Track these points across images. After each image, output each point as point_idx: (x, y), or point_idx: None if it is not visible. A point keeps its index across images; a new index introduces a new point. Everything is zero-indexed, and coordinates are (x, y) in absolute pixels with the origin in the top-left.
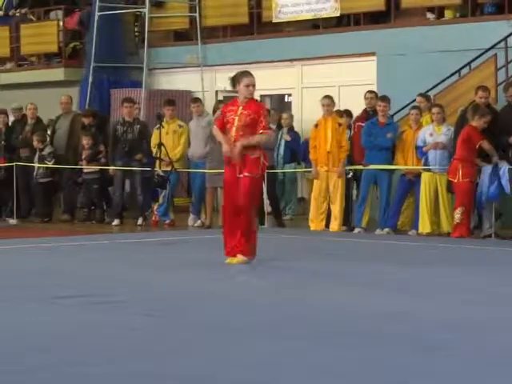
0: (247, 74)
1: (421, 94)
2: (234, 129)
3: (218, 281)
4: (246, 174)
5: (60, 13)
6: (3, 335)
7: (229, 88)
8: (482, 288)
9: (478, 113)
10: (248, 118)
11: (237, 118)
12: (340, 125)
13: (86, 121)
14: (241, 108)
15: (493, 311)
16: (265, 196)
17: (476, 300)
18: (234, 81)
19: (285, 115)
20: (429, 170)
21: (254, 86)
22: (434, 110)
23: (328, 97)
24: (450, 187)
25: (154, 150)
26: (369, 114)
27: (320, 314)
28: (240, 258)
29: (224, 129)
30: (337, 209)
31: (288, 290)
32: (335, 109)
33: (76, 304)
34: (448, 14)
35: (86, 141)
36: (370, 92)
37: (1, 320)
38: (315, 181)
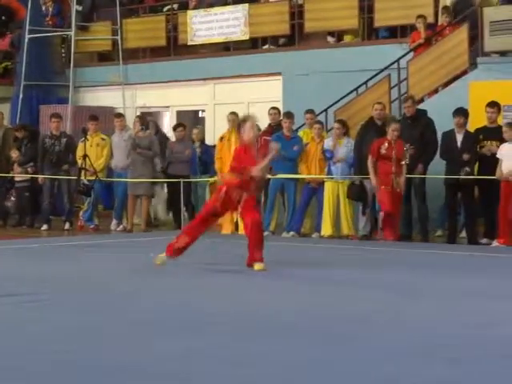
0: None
1: (308, 111)
2: None
3: (138, 276)
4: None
5: None
6: None
7: (148, 104)
8: (380, 284)
9: (388, 125)
10: None
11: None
12: None
13: (18, 134)
14: None
15: (381, 305)
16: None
17: (372, 296)
18: None
19: (195, 130)
20: (331, 179)
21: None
22: (336, 125)
23: (233, 113)
24: (349, 194)
25: (80, 161)
26: (273, 129)
27: (233, 311)
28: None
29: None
30: None
31: (197, 290)
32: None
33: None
34: (347, 38)
35: (15, 154)
36: (274, 108)
37: None
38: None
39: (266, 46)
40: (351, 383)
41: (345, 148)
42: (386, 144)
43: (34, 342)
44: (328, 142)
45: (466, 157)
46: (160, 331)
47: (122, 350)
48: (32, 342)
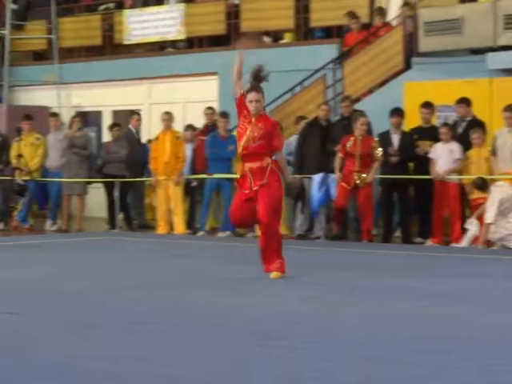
0: (253, 89)
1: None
2: (244, 138)
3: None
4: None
5: None
6: None
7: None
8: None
9: (355, 120)
10: (261, 130)
11: (249, 128)
12: (178, 138)
13: None
14: (253, 120)
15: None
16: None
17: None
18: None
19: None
20: None
21: (257, 101)
22: None
23: (167, 113)
24: (288, 193)
25: (14, 161)
26: (208, 129)
27: (167, 310)
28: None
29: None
30: (178, 214)
31: (139, 289)
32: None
33: None
34: (287, 37)
35: None
36: (209, 108)
37: None
38: (158, 189)
39: (203, 46)
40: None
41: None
42: (352, 141)
43: None
44: None
45: (391, 150)
46: (88, 332)
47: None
48: None
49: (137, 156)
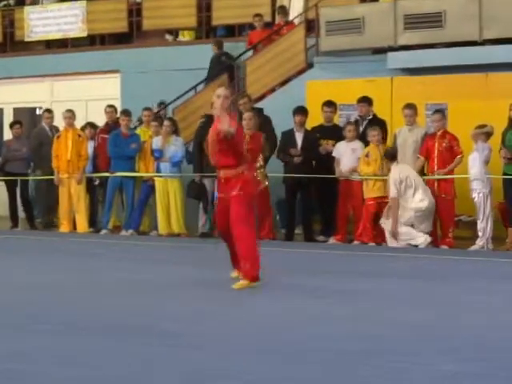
0: (221, 86)
1: (145, 109)
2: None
3: None
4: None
5: None
6: None
7: None
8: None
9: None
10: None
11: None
12: (80, 136)
13: None
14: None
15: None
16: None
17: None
18: None
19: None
20: (160, 177)
21: (218, 96)
22: (165, 123)
23: (69, 110)
24: (189, 192)
25: None
26: (110, 127)
27: (66, 309)
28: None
29: None
30: (81, 212)
31: (36, 289)
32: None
33: None
34: (187, 35)
35: None
36: (110, 106)
37: None
38: (60, 187)
39: (105, 44)
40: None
41: (173, 147)
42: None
43: None
44: (157, 142)
45: (293, 151)
46: None
47: None
48: None
49: (50, 153)
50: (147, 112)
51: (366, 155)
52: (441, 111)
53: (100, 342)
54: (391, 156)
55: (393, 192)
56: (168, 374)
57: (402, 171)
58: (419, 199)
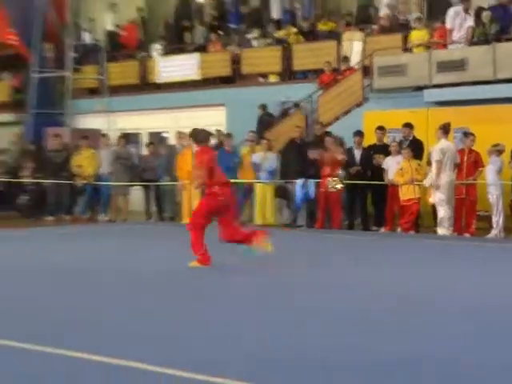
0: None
1: (250, 131)
2: None
3: None
4: None
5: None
6: None
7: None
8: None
9: None
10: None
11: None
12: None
13: (30, 147)
14: None
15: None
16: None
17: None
18: None
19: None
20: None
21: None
22: (263, 141)
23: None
24: (277, 193)
25: (75, 169)
26: (217, 145)
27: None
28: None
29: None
30: None
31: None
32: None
33: None
34: (274, 77)
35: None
36: (218, 130)
37: None
38: (183, 191)
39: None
40: None
41: (271, 160)
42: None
43: None
44: (256, 157)
45: (353, 169)
46: None
47: None
48: None
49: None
50: (252, 134)
51: (401, 169)
52: (471, 134)
53: None
54: (445, 130)
55: (439, 156)
56: None
57: (448, 146)
58: (449, 170)
